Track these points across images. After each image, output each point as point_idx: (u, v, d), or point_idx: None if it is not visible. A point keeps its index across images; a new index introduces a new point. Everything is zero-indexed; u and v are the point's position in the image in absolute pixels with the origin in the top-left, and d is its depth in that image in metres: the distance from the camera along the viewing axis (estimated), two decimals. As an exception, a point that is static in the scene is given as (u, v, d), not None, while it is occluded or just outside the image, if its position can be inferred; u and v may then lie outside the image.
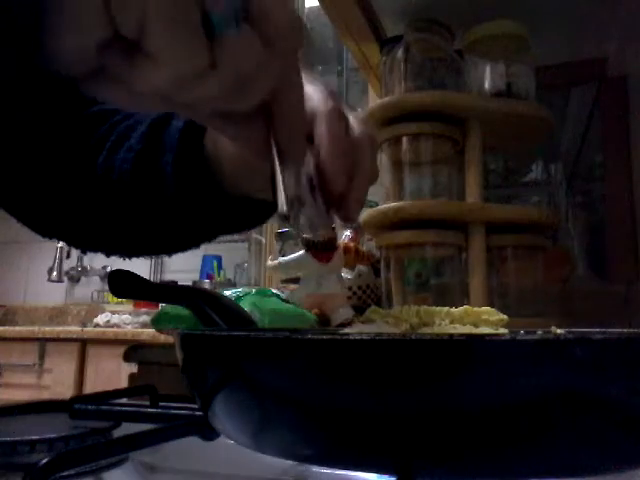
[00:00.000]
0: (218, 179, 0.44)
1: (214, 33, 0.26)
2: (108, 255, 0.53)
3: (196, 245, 0.51)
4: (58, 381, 2.07)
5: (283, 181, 0.32)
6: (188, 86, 0.27)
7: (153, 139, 0.45)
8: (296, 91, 0.31)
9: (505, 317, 0.35)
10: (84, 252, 0.55)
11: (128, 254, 0.53)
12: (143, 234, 0.50)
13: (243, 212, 0.47)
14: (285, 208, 0.32)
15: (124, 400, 0.55)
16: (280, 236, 1.24)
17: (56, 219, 0.50)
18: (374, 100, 1.27)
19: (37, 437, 0.37)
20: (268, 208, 0.47)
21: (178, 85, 0.27)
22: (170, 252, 0.54)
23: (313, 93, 0.35)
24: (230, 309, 0.51)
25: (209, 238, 0.51)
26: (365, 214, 0.92)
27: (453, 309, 0.35)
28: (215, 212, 0.46)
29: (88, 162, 0.47)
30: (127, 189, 0.46)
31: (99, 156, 0.47)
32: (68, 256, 2.75)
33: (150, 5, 0.24)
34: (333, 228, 1.05)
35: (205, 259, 2.47)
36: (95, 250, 0.54)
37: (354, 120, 0.37)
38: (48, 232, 0.51)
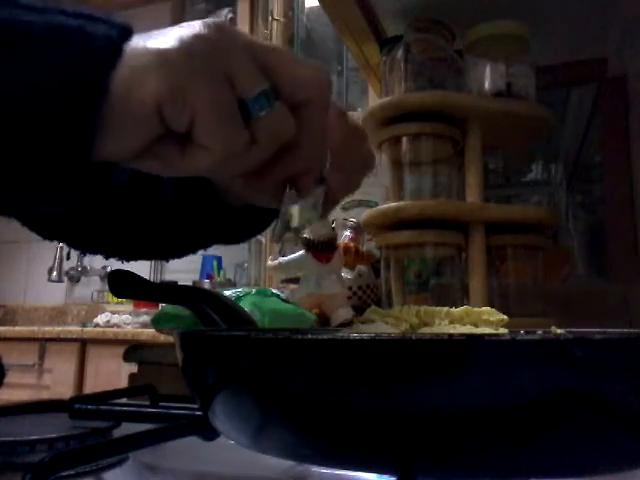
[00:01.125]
0: (217, 189, 0.44)
1: (250, 115, 0.29)
2: (107, 257, 0.54)
3: (193, 251, 0.52)
4: (58, 381, 2.07)
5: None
6: (231, 164, 0.31)
7: None
8: (317, 136, 0.33)
9: (505, 317, 0.35)
10: (84, 254, 0.56)
11: (127, 257, 0.53)
12: (141, 239, 0.50)
13: (242, 221, 0.47)
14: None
15: (124, 400, 0.55)
16: (280, 236, 1.24)
17: (56, 221, 0.51)
18: (374, 100, 1.27)
19: (37, 437, 0.37)
20: (267, 216, 0.48)
21: (223, 165, 0.30)
22: (168, 257, 0.55)
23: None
24: (230, 309, 0.51)
25: (206, 245, 0.52)
26: (365, 214, 0.92)
27: (453, 309, 0.35)
28: (213, 221, 0.47)
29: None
30: (126, 197, 0.47)
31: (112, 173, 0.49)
32: (68, 256, 2.74)
33: (198, 104, 0.28)
34: (333, 228, 1.05)
35: (205, 259, 2.47)
36: (95, 252, 0.55)
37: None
38: (48, 234, 0.52)
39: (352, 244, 1.12)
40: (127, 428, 0.40)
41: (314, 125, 0.32)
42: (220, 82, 0.28)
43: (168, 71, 0.28)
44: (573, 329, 0.33)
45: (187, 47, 0.28)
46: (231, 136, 0.29)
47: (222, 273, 2.50)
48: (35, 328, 2.21)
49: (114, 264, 0.54)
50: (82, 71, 0.28)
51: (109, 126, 0.29)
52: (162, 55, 0.28)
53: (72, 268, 2.82)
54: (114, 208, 0.47)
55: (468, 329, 0.33)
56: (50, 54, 0.28)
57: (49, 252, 2.72)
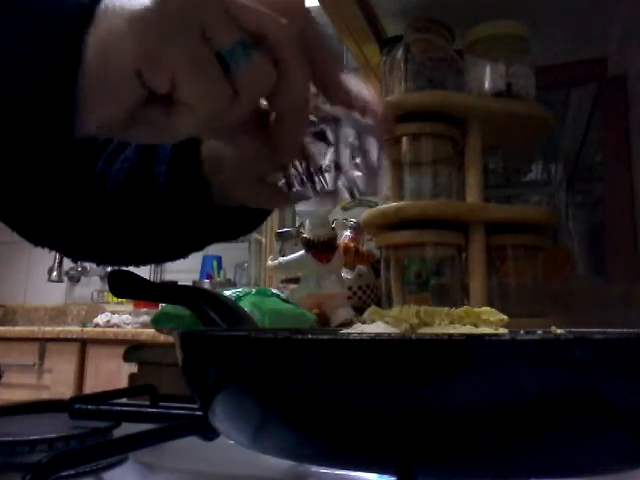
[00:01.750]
0: (213, 190, 0.44)
1: (230, 67, 0.29)
2: (98, 264, 0.53)
3: (187, 254, 0.52)
4: (58, 381, 2.07)
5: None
6: (216, 119, 0.30)
7: (148, 150, 0.46)
8: (298, 82, 0.32)
9: (505, 317, 0.35)
10: (75, 261, 0.56)
11: (118, 263, 0.53)
12: (135, 243, 0.50)
13: (235, 220, 0.47)
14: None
15: (124, 400, 0.55)
16: (280, 236, 1.24)
17: (48, 228, 0.51)
18: (374, 100, 1.27)
19: (37, 437, 0.37)
20: (261, 215, 0.48)
21: (208, 121, 0.30)
22: (163, 260, 0.55)
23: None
24: (230, 309, 0.51)
25: (201, 247, 0.52)
26: (365, 214, 0.92)
27: (453, 309, 0.34)
28: (207, 221, 0.47)
29: (84, 172, 0.48)
30: (120, 198, 0.47)
31: (95, 167, 0.48)
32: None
33: (176, 63, 0.28)
34: (333, 228, 1.05)
35: (205, 259, 2.48)
36: (86, 260, 0.55)
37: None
38: (40, 241, 0.52)
39: (352, 244, 1.12)
40: (127, 428, 0.40)
41: (291, 70, 0.31)
42: (196, 38, 0.28)
43: (143, 32, 0.28)
44: (573, 329, 0.33)
45: (160, 5, 0.28)
46: (212, 91, 0.29)
47: (222, 273, 2.50)
48: (35, 328, 2.21)
49: (114, 264, 0.54)
50: (55, 38, 0.28)
51: (89, 95, 0.28)
52: (135, 16, 0.28)
53: (72, 268, 2.82)
54: (108, 210, 0.47)
55: (468, 329, 0.33)
56: (20, 22, 0.28)
57: (49, 252, 2.72)
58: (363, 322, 0.36)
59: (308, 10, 0.33)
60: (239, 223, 0.48)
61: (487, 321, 0.34)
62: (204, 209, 0.45)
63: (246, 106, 0.31)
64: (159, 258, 0.55)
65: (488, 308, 0.35)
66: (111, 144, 0.48)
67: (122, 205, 0.47)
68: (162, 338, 1.10)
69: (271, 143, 0.34)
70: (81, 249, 0.53)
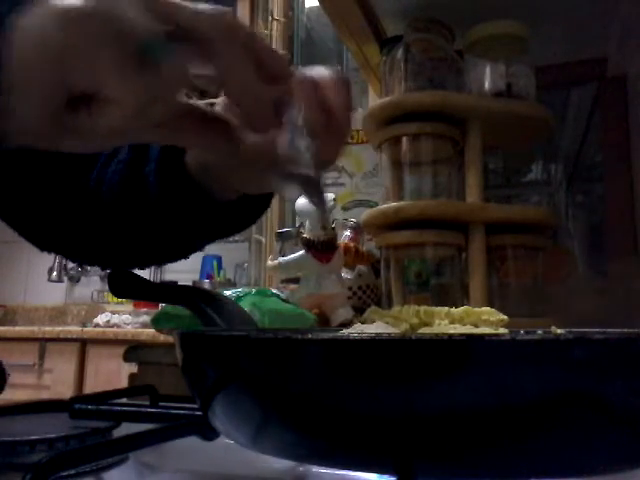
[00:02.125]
0: (206, 186, 0.44)
1: (150, 61, 0.29)
2: (103, 269, 0.54)
3: (187, 254, 0.52)
4: (58, 381, 2.07)
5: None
6: (142, 116, 0.30)
7: (140, 150, 0.46)
8: (232, 72, 0.32)
9: (505, 317, 0.35)
10: (80, 266, 0.57)
11: (122, 267, 0.53)
12: (134, 245, 0.51)
13: (235, 213, 0.47)
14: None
15: (124, 400, 0.55)
16: (280, 236, 1.24)
17: (52, 233, 0.51)
18: (374, 100, 1.27)
19: (37, 437, 0.37)
20: (261, 203, 0.48)
21: (133, 116, 0.30)
22: (164, 262, 0.55)
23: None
24: (230, 309, 0.51)
25: (201, 246, 0.52)
26: (365, 214, 0.92)
27: (453, 309, 0.34)
28: (204, 218, 0.47)
29: (81, 178, 0.49)
30: (116, 200, 0.47)
31: (92, 171, 0.49)
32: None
33: (99, 61, 0.28)
34: (333, 228, 1.05)
35: (205, 259, 2.47)
36: (90, 264, 0.56)
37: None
38: (45, 246, 0.53)
39: (352, 244, 1.12)
40: (127, 428, 0.40)
41: (221, 61, 0.31)
42: (115, 35, 0.28)
43: (65, 33, 0.28)
44: (573, 329, 0.33)
45: (82, 4, 0.28)
46: (135, 85, 0.29)
47: (222, 273, 2.50)
48: (35, 328, 2.21)
49: (114, 264, 0.55)
50: None
51: (10, 100, 0.28)
52: (59, 15, 0.28)
53: (72, 268, 2.82)
54: (105, 213, 0.48)
55: (468, 329, 0.33)
56: None
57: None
58: (363, 322, 0.36)
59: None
60: (239, 216, 0.48)
61: (487, 321, 0.34)
62: (198, 206, 0.45)
63: (168, 101, 0.31)
64: (160, 259, 0.55)
65: (488, 308, 0.35)
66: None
67: (119, 207, 0.47)
68: (162, 338, 1.10)
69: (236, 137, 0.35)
70: (84, 253, 0.54)
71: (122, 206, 0.47)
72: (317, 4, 1.01)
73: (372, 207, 0.96)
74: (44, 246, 0.53)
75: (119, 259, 0.53)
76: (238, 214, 0.47)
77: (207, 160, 0.43)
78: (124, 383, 0.93)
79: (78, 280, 2.87)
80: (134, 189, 0.46)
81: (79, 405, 0.44)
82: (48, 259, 2.74)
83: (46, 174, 0.48)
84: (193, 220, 0.47)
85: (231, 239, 0.55)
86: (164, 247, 0.51)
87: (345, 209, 1.38)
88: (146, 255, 0.53)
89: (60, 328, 2.23)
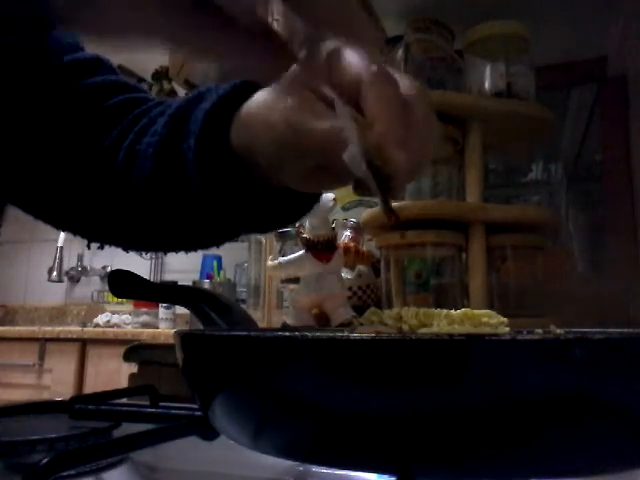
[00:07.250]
0: (250, 169, 0.39)
1: None
2: (126, 250, 0.50)
3: (221, 242, 0.47)
4: (58, 381, 2.07)
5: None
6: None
7: (178, 122, 0.41)
8: None
9: (505, 319, 0.35)
10: (101, 247, 0.51)
11: (147, 249, 0.51)
12: (163, 226, 0.46)
13: (277, 207, 0.42)
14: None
15: (124, 400, 0.55)
16: (280, 236, 1.24)
17: (71, 210, 0.47)
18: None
19: (37, 437, 0.37)
20: (306, 202, 0.43)
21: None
22: (192, 248, 0.49)
23: (352, 56, 0.32)
24: (230, 309, 0.51)
25: (235, 235, 0.46)
26: (365, 214, 0.92)
27: (453, 311, 0.34)
28: (248, 205, 0.41)
29: (108, 151, 0.44)
30: (149, 176, 0.42)
31: (124, 141, 0.44)
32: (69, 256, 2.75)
33: None
34: (333, 228, 1.05)
35: (205, 259, 2.47)
36: (112, 244, 0.50)
37: (399, 76, 0.33)
38: (63, 224, 0.49)
39: (352, 244, 1.12)
40: (127, 428, 0.40)
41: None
42: None
43: None
44: (573, 329, 0.33)
45: None
46: None
47: (222, 273, 2.50)
48: (35, 328, 2.21)
49: (114, 264, 0.54)
50: None
51: None
52: None
53: (72, 268, 2.81)
54: (136, 189, 0.43)
55: (468, 330, 0.33)
56: None
57: (49, 252, 2.72)
58: (362, 323, 0.36)
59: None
60: (281, 211, 0.43)
61: (487, 323, 0.34)
62: (239, 192, 0.40)
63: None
64: (187, 245, 0.49)
65: (488, 311, 0.35)
66: (146, 117, 0.44)
67: (150, 185, 0.42)
68: (162, 338, 1.10)
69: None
70: (106, 232, 0.49)
71: (154, 185, 0.42)
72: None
73: (372, 207, 0.95)
74: (61, 224, 0.48)
75: (144, 239, 0.48)
76: (281, 209, 0.42)
77: (258, 144, 0.37)
78: (124, 383, 0.93)
79: (78, 280, 2.87)
80: (168, 167, 0.41)
81: (79, 405, 0.44)
82: (48, 259, 2.74)
83: (70, 149, 0.44)
84: (231, 207, 0.41)
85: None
86: (192, 232, 0.46)
87: (345, 209, 1.38)
88: (173, 239, 0.48)
89: (60, 328, 2.23)
